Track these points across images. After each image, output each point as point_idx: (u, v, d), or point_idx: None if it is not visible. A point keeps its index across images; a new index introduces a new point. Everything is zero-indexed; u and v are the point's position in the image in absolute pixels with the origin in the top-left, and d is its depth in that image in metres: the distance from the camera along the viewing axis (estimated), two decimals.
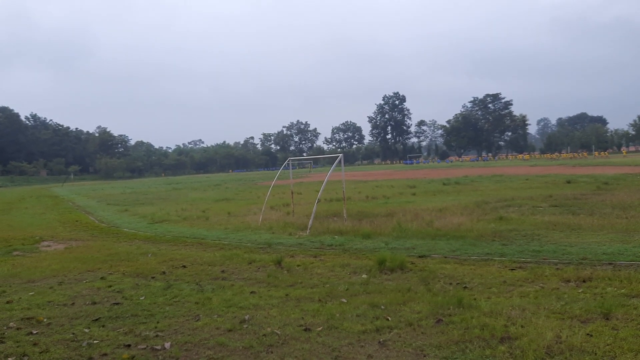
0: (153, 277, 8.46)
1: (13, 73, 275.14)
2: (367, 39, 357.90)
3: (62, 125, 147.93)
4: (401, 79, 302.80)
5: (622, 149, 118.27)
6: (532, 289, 6.59)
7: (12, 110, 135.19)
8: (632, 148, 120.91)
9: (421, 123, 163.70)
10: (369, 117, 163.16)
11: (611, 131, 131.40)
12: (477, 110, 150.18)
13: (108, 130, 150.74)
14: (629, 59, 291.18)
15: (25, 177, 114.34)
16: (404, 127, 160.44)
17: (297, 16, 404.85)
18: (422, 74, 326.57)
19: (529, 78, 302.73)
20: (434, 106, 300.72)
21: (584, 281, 6.86)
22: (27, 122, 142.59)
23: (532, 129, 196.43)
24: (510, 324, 5.21)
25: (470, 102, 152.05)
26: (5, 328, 5.87)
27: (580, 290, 6.42)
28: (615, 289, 6.40)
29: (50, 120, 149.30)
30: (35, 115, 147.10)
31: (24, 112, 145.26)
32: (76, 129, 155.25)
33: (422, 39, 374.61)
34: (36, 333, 5.65)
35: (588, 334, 4.84)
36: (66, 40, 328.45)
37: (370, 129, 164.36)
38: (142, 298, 7.00)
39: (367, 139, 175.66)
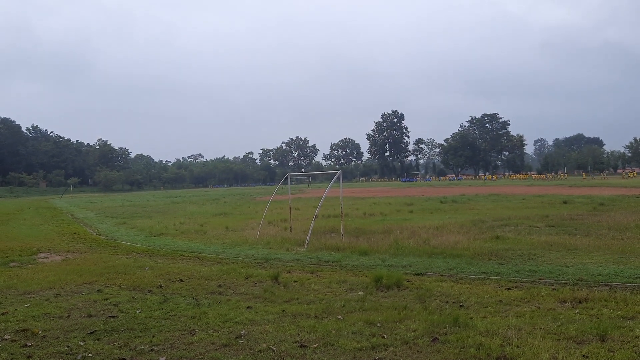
0: (150, 291, 8.44)
1: (15, 85, 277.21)
2: (363, 58, 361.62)
3: (62, 137, 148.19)
4: (397, 98, 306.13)
5: (619, 170, 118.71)
6: (528, 309, 6.61)
7: (14, 121, 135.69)
8: (628, 169, 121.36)
9: (419, 141, 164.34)
10: (367, 135, 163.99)
11: (607, 152, 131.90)
12: (474, 129, 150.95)
13: (108, 143, 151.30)
14: (622, 81, 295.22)
15: (25, 188, 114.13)
16: (402, 145, 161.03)
17: (295, 34, 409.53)
18: (417, 93, 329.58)
19: (524, 99, 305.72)
20: (429, 125, 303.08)
21: (580, 302, 6.88)
22: (28, 133, 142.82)
23: (529, 149, 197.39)
24: (506, 344, 5.22)
25: (468, 121, 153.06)
26: None
27: (576, 311, 6.44)
28: (611, 310, 6.41)
29: (51, 132, 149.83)
30: (36, 126, 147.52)
31: (25, 124, 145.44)
32: (77, 141, 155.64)
33: (417, 59, 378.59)
34: (31, 345, 5.63)
35: (584, 356, 4.85)
36: (67, 54, 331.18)
37: (368, 146, 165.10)
38: (139, 311, 6.98)
39: (366, 156, 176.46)
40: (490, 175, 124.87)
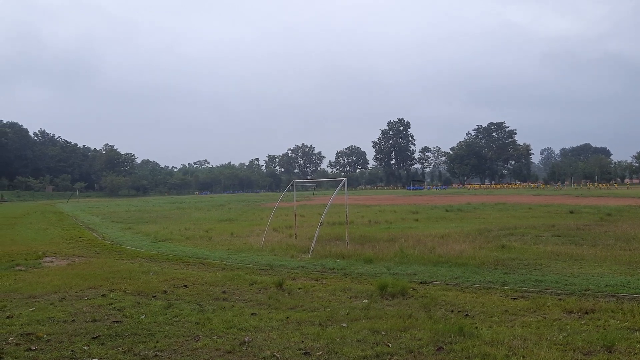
0: (154, 296, 8.45)
1: (23, 90, 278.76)
2: (367, 67, 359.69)
3: (69, 142, 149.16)
4: (401, 106, 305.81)
5: (626, 180, 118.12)
6: (534, 319, 6.56)
7: (21, 125, 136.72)
8: (635, 180, 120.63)
9: (425, 149, 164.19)
10: (373, 142, 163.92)
11: (614, 162, 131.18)
12: (481, 138, 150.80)
13: (115, 148, 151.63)
14: (626, 92, 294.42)
15: (31, 192, 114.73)
16: (408, 153, 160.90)
17: (299, 43, 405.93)
18: (420, 102, 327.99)
19: (529, 108, 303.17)
20: (432, 133, 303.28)
21: (586, 313, 6.82)
22: (36, 138, 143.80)
23: (536, 159, 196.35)
24: (511, 354, 5.17)
25: (474, 130, 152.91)
26: (4, 343, 5.87)
27: (582, 322, 6.38)
28: (619, 321, 6.36)
29: (58, 136, 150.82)
30: (44, 131, 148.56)
31: (32, 129, 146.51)
32: (83, 146, 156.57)
33: (419, 68, 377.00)
34: (35, 349, 5.64)
35: None
36: (74, 60, 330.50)
37: (374, 154, 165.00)
38: (143, 317, 6.99)
39: (371, 163, 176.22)
40: (478, 185, 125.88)
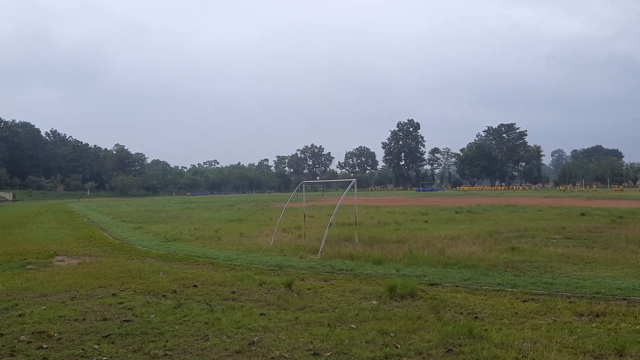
0: (164, 296, 8.50)
1: (34, 91, 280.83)
2: (373, 67, 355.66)
3: (80, 142, 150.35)
4: (408, 107, 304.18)
5: (638, 183, 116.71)
6: (544, 322, 6.51)
7: (33, 125, 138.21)
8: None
9: (435, 151, 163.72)
10: (382, 143, 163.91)
11: (626, 164, 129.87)
12: (491, 139, 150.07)
13: (126, 148, 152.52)
14: (634, 94, 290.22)
15: (43, 192, 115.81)
16: (418, 154, 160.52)
17: (305, 44, 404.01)
18: (426, 103, 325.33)
19: (537, 110, 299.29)
20: (439, 135, 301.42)
21: (597, 316, 6.76)
22: (47, 137, 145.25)
23: (547, 160, 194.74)
24: (521, 357, 5.15)
25: (484, 131, 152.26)
26: (16, 341, 5.93)
27: (593, 325, 6.33)
28: (630, 325, 6.30)
29: (70, 136, 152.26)
30: (55, 131, 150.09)
31: (44, 129, 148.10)
32: (94, 145, 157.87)
33: (425, 69, 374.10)
34: (46, 347, 5.70)
35: None
36: (84, 62, 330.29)
37: (384, 155, 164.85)
38: (153, 316, 7.03)
39: (381, 164, 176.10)
40: (483, 187, 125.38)
